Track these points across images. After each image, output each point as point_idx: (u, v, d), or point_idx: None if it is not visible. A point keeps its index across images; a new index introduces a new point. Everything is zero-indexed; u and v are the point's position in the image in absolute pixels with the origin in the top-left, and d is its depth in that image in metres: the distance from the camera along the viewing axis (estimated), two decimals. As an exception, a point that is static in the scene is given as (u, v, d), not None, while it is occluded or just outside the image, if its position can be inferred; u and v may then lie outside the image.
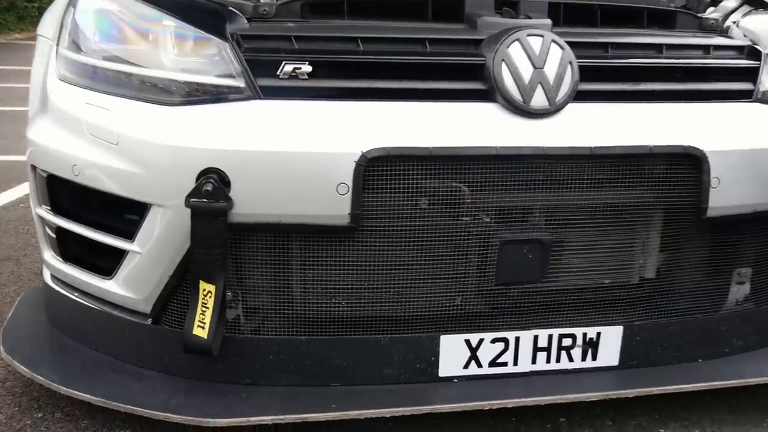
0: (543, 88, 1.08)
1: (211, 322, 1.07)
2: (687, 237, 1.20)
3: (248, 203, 1.05)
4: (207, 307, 1.08)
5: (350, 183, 1.03)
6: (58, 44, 1.30)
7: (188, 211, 1.04)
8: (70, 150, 1.16)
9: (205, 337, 1.07)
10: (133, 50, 1.18)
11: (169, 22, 1.17)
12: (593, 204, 1.13)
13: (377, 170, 1.05)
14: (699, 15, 1.34)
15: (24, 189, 2.90)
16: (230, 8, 1.18)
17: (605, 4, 1.29)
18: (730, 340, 1.27)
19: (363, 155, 1.03)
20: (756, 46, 1.29)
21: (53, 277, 1.33)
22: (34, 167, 1.28)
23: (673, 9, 1.32)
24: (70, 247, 1.27)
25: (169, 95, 1.11)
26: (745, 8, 1.53)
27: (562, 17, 1.25)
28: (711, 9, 1.53)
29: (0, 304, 1.79)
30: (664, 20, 1.33)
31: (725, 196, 1.16)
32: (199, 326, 1.07)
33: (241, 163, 1.04)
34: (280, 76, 1.08)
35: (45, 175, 1.24)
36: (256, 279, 1.12)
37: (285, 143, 1.04)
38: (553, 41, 1.10)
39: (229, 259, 1.09)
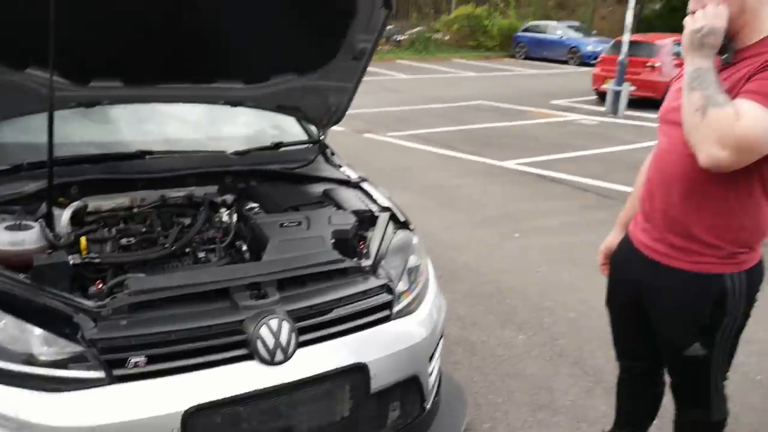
0: (281, 349, 1.97)
1: None
2: (364, 399, 2.19)
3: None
4: None
5: (179, 427, 1.83)
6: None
7: None
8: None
9: None
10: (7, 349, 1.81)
11: (38, 331, 1.82)
12: (313, 397, 2.06)
13: (194, 416, 1.85)
14: (362, 265, 2.33)
15: None
16: (81, 314, 1.87)
17: (311, 273, 2.21)
18: None
19: (185, 411, 1.83)
20: (390, 284, 2.33)
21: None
22: None
23: (344, 267, 2.29)
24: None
25: (50, 384, 1.78)
26: (390, 233, 2.59)
27: (285, 283, 2.16)
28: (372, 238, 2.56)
29: None
30: (342, 272, 2.29)
31: (379, 381, 2.16)
32: None
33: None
34: (128, 367, 1.82)
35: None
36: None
37: (139, 412, 1.80)
38: (284, 320, 2.00)
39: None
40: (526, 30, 25.18)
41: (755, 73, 1.73)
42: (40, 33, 2.01)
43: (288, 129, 3.32)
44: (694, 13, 1.84)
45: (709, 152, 1.72)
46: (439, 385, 2.65)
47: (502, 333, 3.62)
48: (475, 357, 3.35)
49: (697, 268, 1.96)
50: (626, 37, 12.68)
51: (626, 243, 2.21)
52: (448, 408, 2.65)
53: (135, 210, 2.58)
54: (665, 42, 13.30)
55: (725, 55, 1.83)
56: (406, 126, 10.40)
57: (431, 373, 2.47)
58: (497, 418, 2.83)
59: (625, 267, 2.20)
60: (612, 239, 2.37)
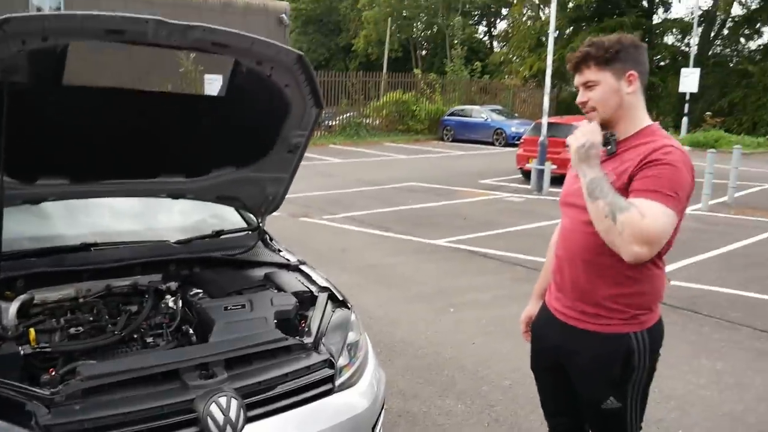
0: (230, 426, 2.08)
1: None
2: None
3: None
4: None
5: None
6: None
7: None
8: None
9: None
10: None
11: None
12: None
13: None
14: (304, 342, 2.48)
15: None
16: (35, 402, 1.95)
17: (256, 352, 2.34)
18: None
19: None
20: (332, 359, 2.48)
21: None
22: None
23: (287, 345, 2.43)
24: None
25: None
26: (329, 311, 2.76)
27: (232, 362, 2.28)
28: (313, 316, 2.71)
29: None
30: (286, 350, 2.43)
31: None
32: None
33: None
34: (85, 453, 1.90)
35: None
36: None
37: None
38: (233, 398, 2.11)
39: None
40: (452, 114, 26.33)
41: (636, 172, 2.04)
42: None
43: (227, 217, 3.50)
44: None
45: (631, 252, 1.98)
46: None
47: (442, 403, 3.77)
48: (417, 427, 3.48)
49: (605, 329, 2.20)
50: (545, 120, 13.53)
51: (544, 311, 2.44)
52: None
53: (81, 300, 2.67)
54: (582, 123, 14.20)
55: (609, 146, 2.14)
56: (340, 209, 10.65)
57: (373, 444, 2.60)
58: (440, 485, 2.95)
59: (545, 333, 2.42)
60: (531, 309, 2.61)
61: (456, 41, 34.31)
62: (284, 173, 3.14)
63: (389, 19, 39.76)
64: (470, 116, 25.57)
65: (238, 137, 2.89)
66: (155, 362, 2.19)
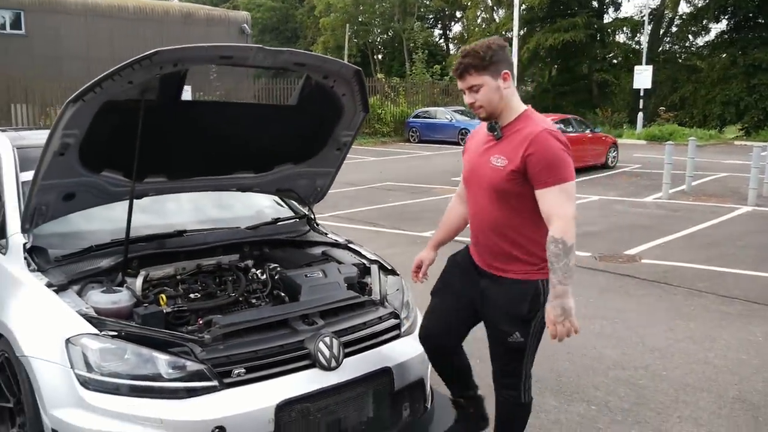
0: (334, 359, 2.69)
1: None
2: (390, 396, 2.91)
3: (236, 435, 2.43)
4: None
5: (273, 417, 2.50)
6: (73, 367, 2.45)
7: None
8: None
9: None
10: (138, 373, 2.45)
11: (165, 356, 2.47)
12: (353, 395, 2.77)
13: (283, 408, 2.53)
14: (374, 299, 3.10)
15: None
16: (192, 343, 2.53)
17: (341, 306, 2.96)
18: None
19: (277, 405, 2.51)
20: (396, 311, 3.10)
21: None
22: None
23: (362, 300, 3.05)
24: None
25: (181, 393, 2.42)
26: (384, 277, 3.38)
27: (324, 314, 2.89)
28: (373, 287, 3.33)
29: None
30: (361, 305, 3.04)
31: (399, 382, 2.90)
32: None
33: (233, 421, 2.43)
34: (233, 377, 2.49)
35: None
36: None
37: (246, 407, 2.46)
38: (333, 338, 2.72)
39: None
40: (416, 116, 27.12)
41: (526, 160, 2.47)
42: (114, 146, 2.82)
43: (275, 206, 4.09)
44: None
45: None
46: (432, 393, 3.40)
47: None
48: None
49: (520, 277, 2.64)
50: (512, 118, 14.30)
51: (467, 256, 2.90)
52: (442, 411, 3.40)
53: (178, 277, 3.23)
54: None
55: (496, 133, 2.62)
56: (326, 209, 11.17)
57: (428, 379, 3.23)
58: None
59: (467, 274, 2.86)
60: (423, 255, 3.13)
61: (412, 45, 35.04)
62: (332, 168, 3.75)
63: (347, 25, 40.41)
64: (435, 117, 26.38)
65: (299, 138, 3.48)
66: (270, 314, 2.79)
